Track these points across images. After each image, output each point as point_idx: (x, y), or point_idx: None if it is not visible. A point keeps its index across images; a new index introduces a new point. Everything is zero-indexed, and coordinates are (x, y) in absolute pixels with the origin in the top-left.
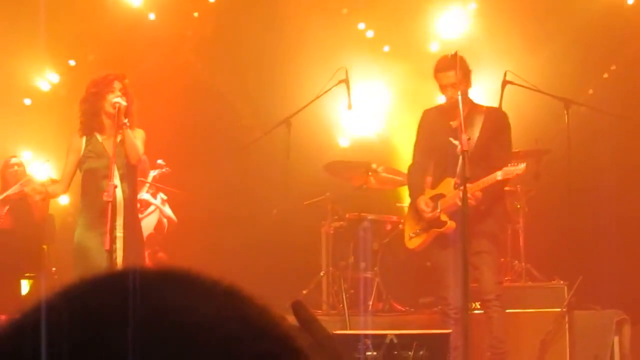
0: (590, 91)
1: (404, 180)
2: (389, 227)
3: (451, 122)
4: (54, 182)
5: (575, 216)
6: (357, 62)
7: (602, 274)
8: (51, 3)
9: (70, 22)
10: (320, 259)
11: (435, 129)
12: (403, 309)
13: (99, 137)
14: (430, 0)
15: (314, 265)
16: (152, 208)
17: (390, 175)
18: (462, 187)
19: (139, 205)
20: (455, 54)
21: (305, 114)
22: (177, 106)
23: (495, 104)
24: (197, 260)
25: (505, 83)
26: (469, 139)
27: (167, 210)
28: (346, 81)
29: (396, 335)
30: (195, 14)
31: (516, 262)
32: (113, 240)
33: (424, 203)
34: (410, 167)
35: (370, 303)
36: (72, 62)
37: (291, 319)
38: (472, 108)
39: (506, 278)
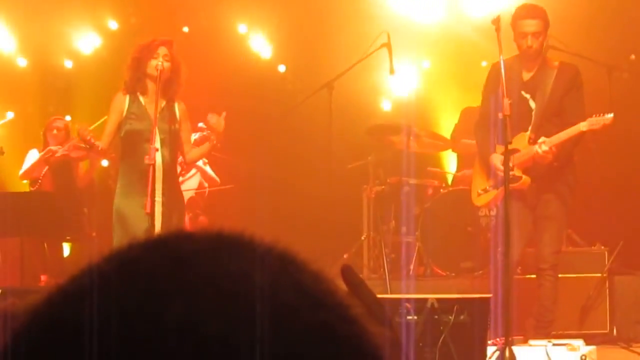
0: (633, 56)
1: (444, 144)
2: (430, 191)
3: (524, 74)
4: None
5: (616, 182)
6: (399, 26)
7: None
8: None
9: None
10: (361, 223)
11: (506, 82)
12: (444, 274)
13: (142, 100)
14: None
15: (356, 229)
16: (193, 171)
17: (432, 140)
18: (523, 146)
19: (179, 169)
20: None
21: (348, 77)
22: (219, 70)
23: None
24: (238, 223)
25: (547, 48)
26: (510, 103)
27: (209, 170)
28: (388, 45)
29: (437, 299)
30: None
31: None
32: (153, 204)
33: (499, 161)
34: (478, 122)
35: (411, 267)
36: (113, 25)
37: (339, 283)
38: (544, 63)
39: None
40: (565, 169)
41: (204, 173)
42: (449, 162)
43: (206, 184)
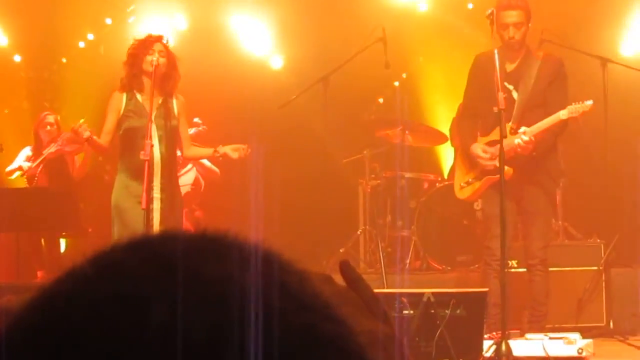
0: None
1: (441, 138)
2: (426, 185)
3: (507, 66)
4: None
5: (612, 174)
6: (393, 20)
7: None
8: None
9: None
10: (357, 217)
11: (488, 73)
12: (440, 267)
13: (140, 97)
14: None
15: (352, 224)
16: (189, 166)
17: (428, 134)
18: (517, 138)
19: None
20: None
21: (343, 71)
22: (214, 65)
23: None
24: (234, 218)
25: (542, 42)
26: (505, 97)
27: (207, 162)
28: (383, 39)
29: (433, 293)
30: None
31: (553, 220)
32: (150, 200)
33: (480, 150)
34: (461, 115)
35: (408, 261)
36: (108, 21)
37: (337, 278)
38: (528, 53)
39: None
40: (547, 159)
41: (201, 166)
42: (446, 156)
43: (202, 181)
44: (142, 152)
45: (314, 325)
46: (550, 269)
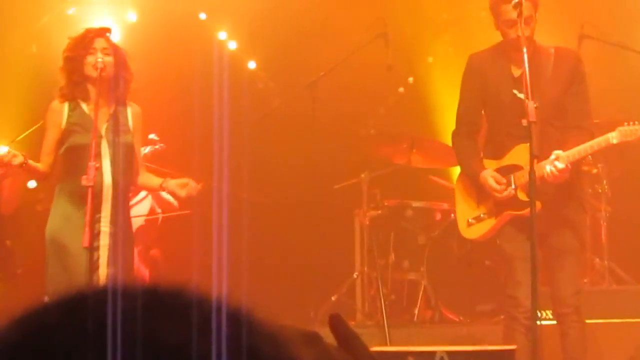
0: None
1: (455, 157)
2: (438, 216)
3: (513, 69)
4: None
5: None
6: (397, 12)
7: None
8: None
9: None
10: (353, 256)
11: (489, 79)
12: (456, 319)
13: (85, 107)
14: None
15: (346, 265)
16: (142, 194)
17: (440, 152)
18: (543, 164)
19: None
20: None
21: (335, 75)
22: (174, 67)
23: None
24: (197, 259)
25: (582, 37)
26: (536, 107)
27: (164, 193)
28: (385, 35)
29: (448, 352)
30: None
31: (597, 259)
32: (95, 235)
33: (491, 178)
34: (457, 131)
35: (416, 312)
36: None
37: (327, 333)
38: (537, 50)
39: (584, 280)
40: (573, 184)
41: (157, 195)
42: None
43: (159, 210)
44: (84, 177)
45: None
46: (594, 320)
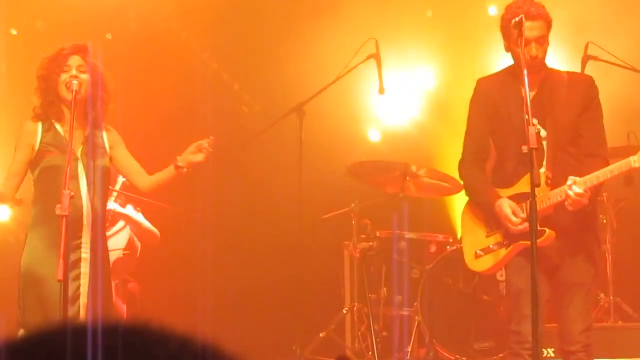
0: None
1: (453, 187)
2: (433, 249)
3: (524, 92)
4: None
5: None
6: (390, 32)
7: None
8: None
9: None
10: (343, 291)
11: (499, 103)
12: (452, 358)
13: (60, 129)
14: None
15: (335, 300)
16: (121, 224)
17: (435, 181)
18: (552, 189)
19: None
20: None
21: (323, 99)
22: (154, 89)
23: None
24: (179, 293)
25: (587, 59)
26: (538, 132)
27: (143, 220)
28: (377, 56)
29: None
30: None
31: (602, 295)
32: (75, 262)
33: (509, 209)
34: (465, 159)
35: (409, 350)
36: (13, 32)
37: None
38: (550, 74)
39: None
40: (589, 215)
41: (136, 226)
42: (460, 210)
43: (138, 243)
44: (58, 206)
45: None
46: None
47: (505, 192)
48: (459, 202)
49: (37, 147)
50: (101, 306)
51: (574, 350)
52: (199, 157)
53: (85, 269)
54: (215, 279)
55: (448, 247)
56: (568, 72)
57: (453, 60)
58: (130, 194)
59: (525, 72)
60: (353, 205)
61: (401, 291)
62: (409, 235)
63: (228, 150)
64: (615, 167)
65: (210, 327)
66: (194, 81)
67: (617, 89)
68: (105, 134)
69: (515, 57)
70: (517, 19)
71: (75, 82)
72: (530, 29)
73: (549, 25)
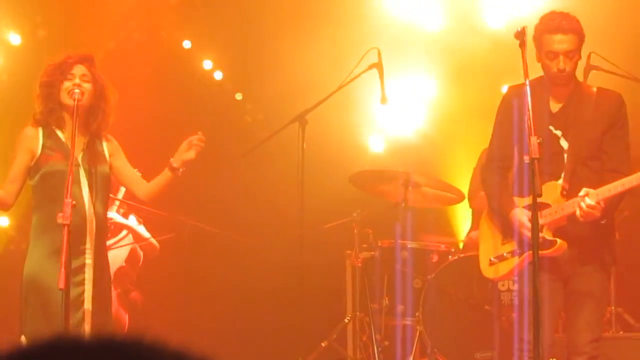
0: None
1: (454, 196)
2: (435, 258)
3: (552, 104)
4: None
5: None
6: (393, 42)
7: None
8: None
9: None
10: (344, 300)
11: (524, 113)
12: None
13: (60, 135)
14: None
15: (337, 309)
16: (123, 233)
17: (437, 190)
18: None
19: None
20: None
21: (325, 108)
22: (157, 98)
23: None
24: (181, 302)
25: (589, 68)
26: (539, 142)
27: (144, 232)
28: (379, 65)
29: None
30: None
31: None
32: (80, 268)
33: (526, 217)
34: (485, 165)
35: (411, 359)
36: (16, 40)
37: None
38: (578, 89)
39: None
40: (604, 227)
41: (137, 237)
42: (463, 219)
43: (140, 252)
44: (59, 215)
45: None
46: None
47: (522, 201)
48: (460, 211)
49: (38, 152)
50: (102, 314)
51: None
52: (191, 154)
53: (89, 274)
54: (217, 288)
55: (450, 257)
56: (598, 87)
57: (455, 69)
58: (133, 203)
59: (527, 82)
60: (355, 214)
61: (403, 300)
62: (410, 245)
63: (230, 159)
64: (627, 181)
65: (212, 336)
66: (196, 90)
67: None
68: (105, 143)
69: (544, 67)
70: (519, 29)
71: (77, 90)
72: (560, 42)
73: (580, 39)
